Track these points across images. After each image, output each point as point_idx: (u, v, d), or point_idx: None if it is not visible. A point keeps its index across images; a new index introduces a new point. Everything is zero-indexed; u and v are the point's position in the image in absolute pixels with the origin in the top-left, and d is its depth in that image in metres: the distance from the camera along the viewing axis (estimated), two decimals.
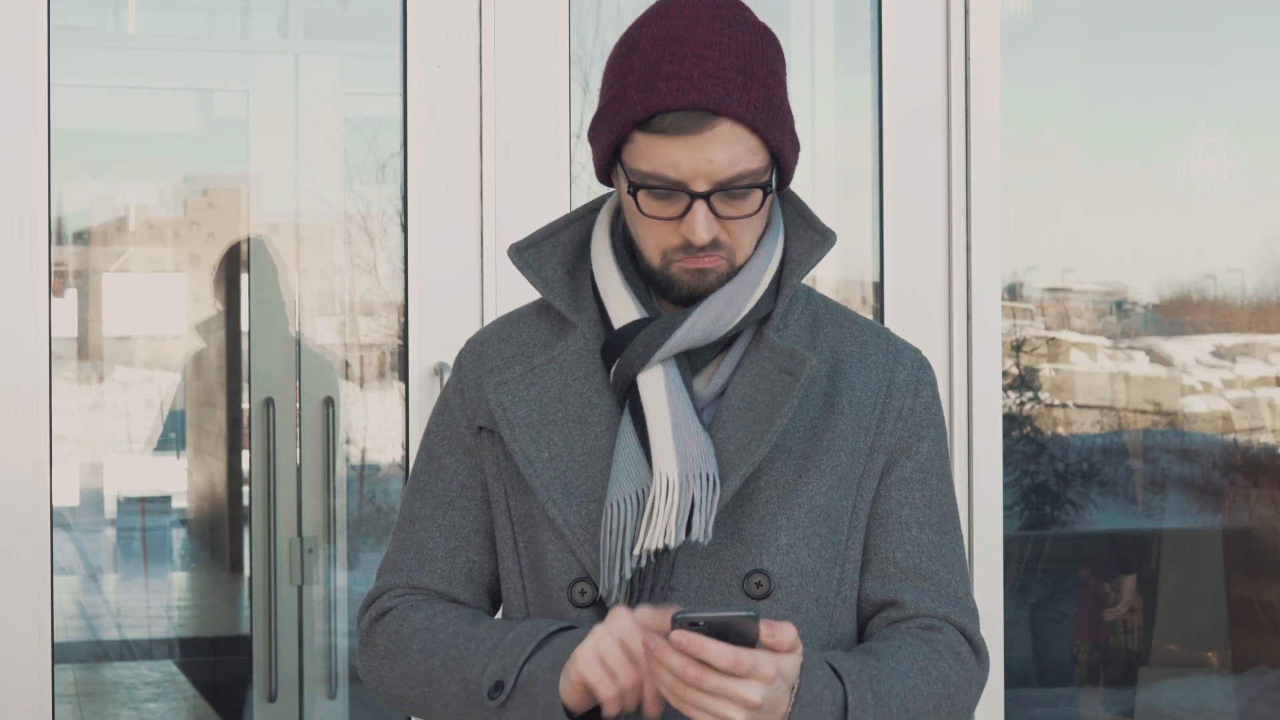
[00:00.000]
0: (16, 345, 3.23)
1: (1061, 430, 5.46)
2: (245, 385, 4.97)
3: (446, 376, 3.40)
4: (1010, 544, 4.44)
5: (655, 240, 1.81)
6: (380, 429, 5.12)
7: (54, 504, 3.27)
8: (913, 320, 3.63)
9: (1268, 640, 5.05)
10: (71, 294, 6.03)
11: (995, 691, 3.68)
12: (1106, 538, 5.29)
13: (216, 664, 5.82)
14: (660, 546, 1.76)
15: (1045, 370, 5.46)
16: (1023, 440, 5.28)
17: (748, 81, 1.75)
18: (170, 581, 6.73)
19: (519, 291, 3.50)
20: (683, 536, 1.75)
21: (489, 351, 1.93)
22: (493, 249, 3.48)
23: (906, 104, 3.69)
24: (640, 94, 1.76)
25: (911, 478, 1.88)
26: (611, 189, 1.92)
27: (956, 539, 1.90)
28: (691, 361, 1.84)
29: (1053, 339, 5.53)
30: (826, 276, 4.23)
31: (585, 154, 4.30)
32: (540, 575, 1.85)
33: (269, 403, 4.62)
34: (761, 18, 1.86)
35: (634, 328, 1.82)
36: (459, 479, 1.92)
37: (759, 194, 1.79)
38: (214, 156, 6.06)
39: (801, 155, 1.88)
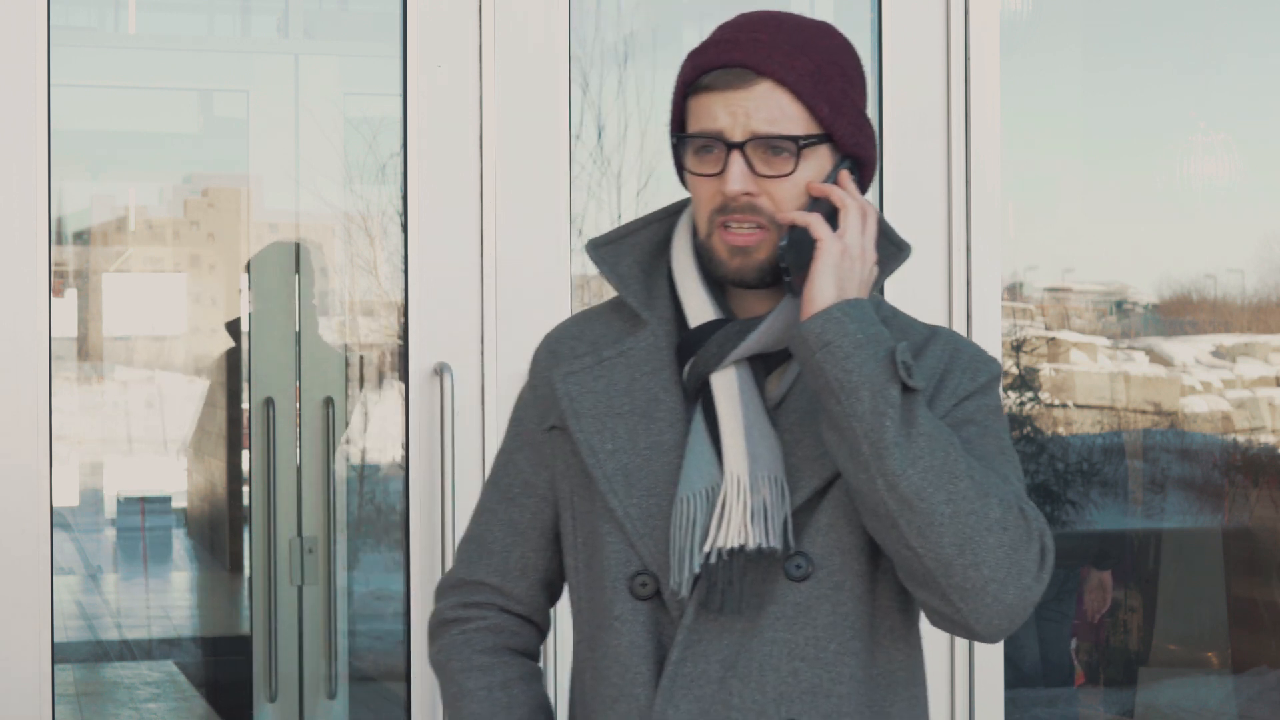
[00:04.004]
0: (16, 345, 3.23)
1: (1061, 430, 5.46)
2: (245, 385, 4.97)
3: (446, 377, 3.40)
4: None
5: (704, 205, 1.86)
6: (380, 429, 5.12)
7: (54, 504, 3.27)
8: None
9: (1268, 640, 5.05)
10: (71, 294, 6.02)
11: (995, 691, 3.68)
12: (1098, 537, 5.29)
13: (216, 664, 5.82)
14: (735, 545, 1.79)
15: (1045, 370, 5.46)
16: (1023, 440, 5.29)
17: (795, 53, 1.83)
18: (170, 581, 6.73)
19: (519, 291, 3.50)
20: (758, 539, 1.79)
21: (562, 349, 1.98)
22: (493, 249, 3.48)
23: (906, 104, 3.69)
24: (691, 61, 1.87)
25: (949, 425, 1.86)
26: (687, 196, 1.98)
27: (1005, 471, 1.85)
28: (765, 364, 1.88)
29: (1053, 339, 5.53)
30: None
31: (584, 154, 4.29)
32: (595, 568, 1.90)
33: (269, 403, 4.62)
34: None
35: (710, 328, 1.86)
36: (524, 475, 1.98)
37: (795, 154, 1.83)
38: (214, 156, 6.06)
39: None
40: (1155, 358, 5.67)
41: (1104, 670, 5.21)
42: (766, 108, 1.81)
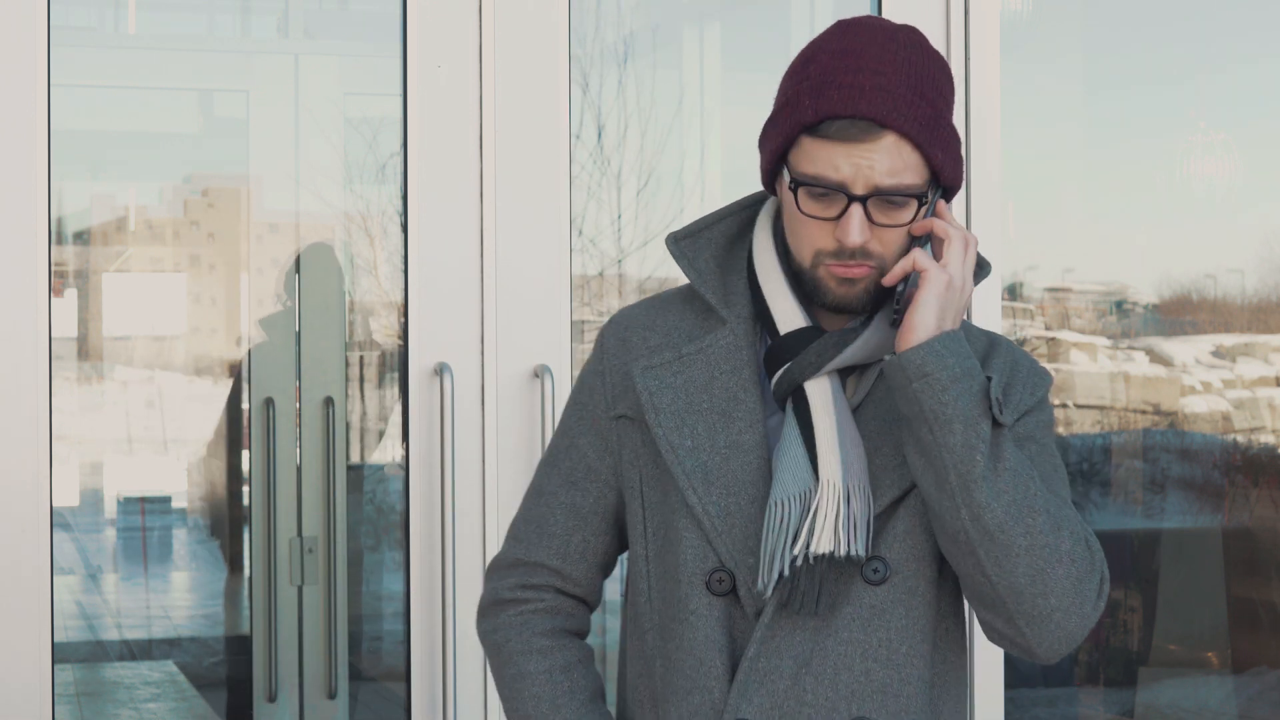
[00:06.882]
0: (16, 345, 3.23)
1: (1061, 430, 5.46)
2: (245, 385, 4.97)
3: (446, 377, 3.40)
4: None
5: (810, 241, 1.87)
6: (380, 429, 5.12)
7: (54, 504, 3.27)
8: None
9: (1268, 640, 5.06)
10: (71, 294, 6.02)
11: (995, 691, 3.68)
12: (1112, 539, 5.29)
13: (216, 664, 5.82)
14: (826, 552, 1.84)
15: None
16: None
17: (916, 100, 1.83)
18: (170, 581, 6.73)
19: (519, 291, 3.50)
20: (848, 548, 1.84)
21: (633, 338, 2.00)
22: (492, 249, 3.48)
23: None
24: (813, 100, 1.84)
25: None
26: (761, 190, 1.99)
27: (1064, 493, 1.93)
28: (841, 372, 1.92)
29: (1053, 339, 5.54)
30: None
31: (584, 154, 4.29)
32: (669, 561, 1.94)
33: (269, 403, 4.62)
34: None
35: (801, 336, 1.89)
36: (587, 460, 2.01)
37: (914, 205, 1.84)
38: (214, 156, 6.06)
39: None
40: (1155, 358, 5.68)
41: (1104, 670, 5.21)
42: (889, 160, 1.81)
